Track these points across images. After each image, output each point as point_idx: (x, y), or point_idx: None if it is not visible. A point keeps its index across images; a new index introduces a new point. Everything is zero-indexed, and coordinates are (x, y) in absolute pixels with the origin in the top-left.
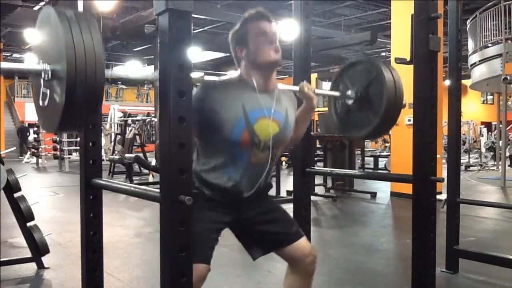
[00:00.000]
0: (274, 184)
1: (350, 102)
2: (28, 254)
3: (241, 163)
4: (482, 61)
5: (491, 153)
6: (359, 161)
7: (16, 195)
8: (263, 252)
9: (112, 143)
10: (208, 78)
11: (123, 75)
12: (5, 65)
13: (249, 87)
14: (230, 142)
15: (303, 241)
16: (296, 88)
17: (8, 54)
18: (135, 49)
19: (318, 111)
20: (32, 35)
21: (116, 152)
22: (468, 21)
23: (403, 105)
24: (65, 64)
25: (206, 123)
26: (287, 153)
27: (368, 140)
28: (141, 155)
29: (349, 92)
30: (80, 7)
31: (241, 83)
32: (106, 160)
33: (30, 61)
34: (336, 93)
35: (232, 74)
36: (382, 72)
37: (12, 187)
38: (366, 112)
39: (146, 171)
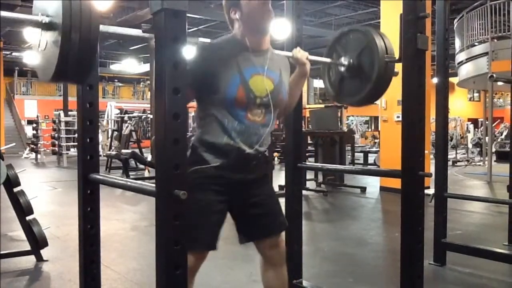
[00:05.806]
0: None
1: (342, 69)
2: (27, 247)
3: (238, 120)
4: (469, 59)
5: (478, 149)
6: (349, 156)
7: (15, 189)
8: (247, 239)
9: (109, 139)
10: (202, 40)
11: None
12: (5, 14)
13: (242, 47)
14: (226, 99)
15: (282, 235)
16: (290, 53)
17: (7, 53)
18: (131, 48)
19: (310, 108)
20: None
21: (113, 148)
22: (455, 20)
23: (395, 73)
24: (61, 16)
25: (203, 83)
26: (279, 148)
27: (361, 105)
28: (137, 150)
29: (342, 59)
30: None
31: (235, 43)
32: (103, 156)
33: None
34: (328, 60)
35: (226, 36)
36: (374, 39)
37: (11, 182)
38: (359, 78)
39: (142, 166)
